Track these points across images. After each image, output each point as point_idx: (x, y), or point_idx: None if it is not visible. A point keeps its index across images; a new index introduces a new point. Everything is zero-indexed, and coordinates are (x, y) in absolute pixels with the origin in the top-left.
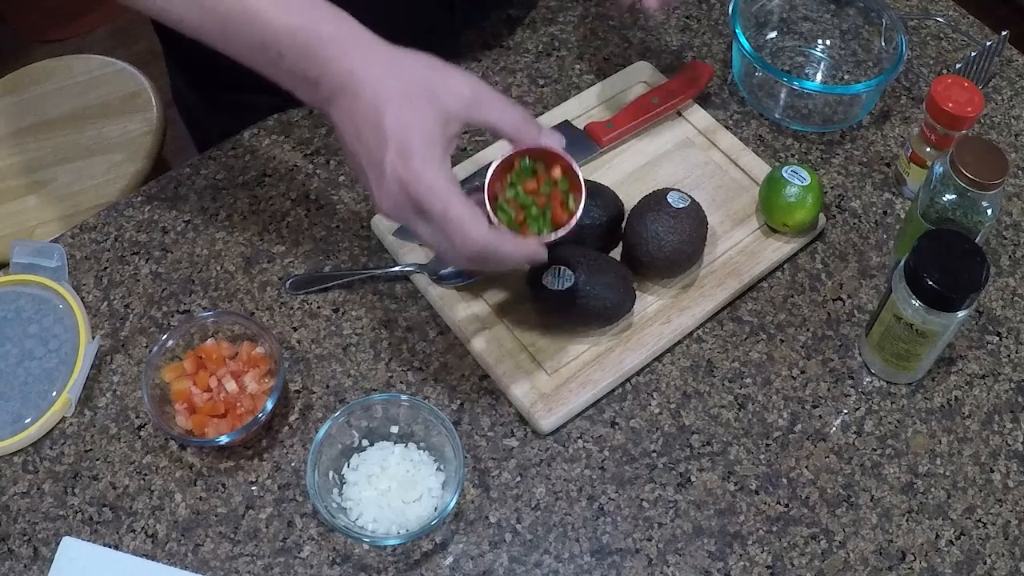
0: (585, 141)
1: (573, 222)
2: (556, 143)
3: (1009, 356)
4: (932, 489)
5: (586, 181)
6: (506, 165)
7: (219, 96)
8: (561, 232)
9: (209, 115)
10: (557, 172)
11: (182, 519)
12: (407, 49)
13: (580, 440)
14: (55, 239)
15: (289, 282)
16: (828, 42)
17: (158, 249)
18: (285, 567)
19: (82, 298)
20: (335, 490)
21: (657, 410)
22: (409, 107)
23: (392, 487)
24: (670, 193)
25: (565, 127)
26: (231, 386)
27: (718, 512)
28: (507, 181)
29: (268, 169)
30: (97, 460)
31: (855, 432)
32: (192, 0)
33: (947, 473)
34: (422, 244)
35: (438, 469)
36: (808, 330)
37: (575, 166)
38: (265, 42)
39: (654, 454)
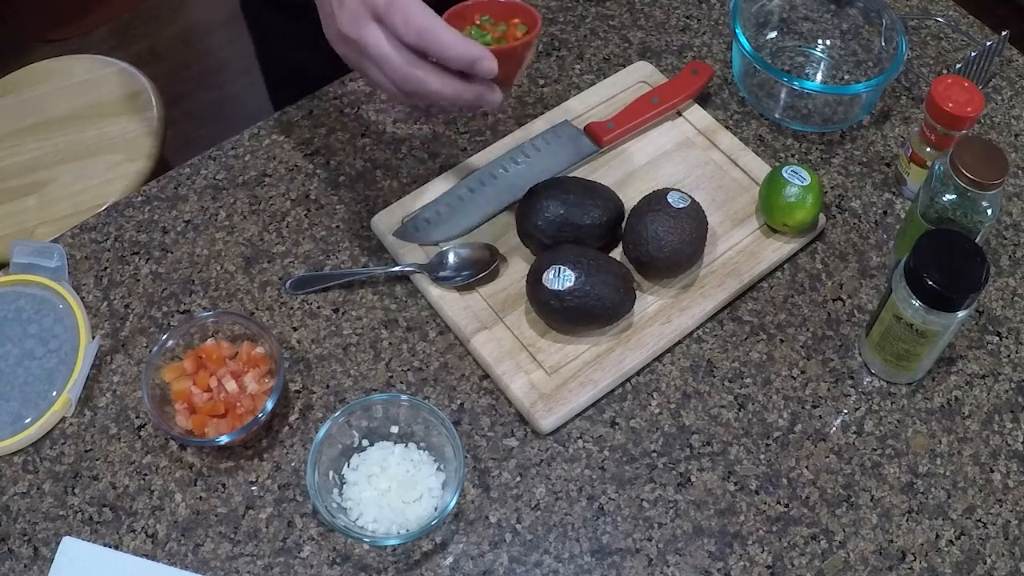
0: (585, 141)
1: (519, 43)
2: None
3: (1009, 356)
4: (932, 489)
5: (586, 181)
6: (464, 16)
7: None
8: (509, 46)
9: (272, 16)
10: (516, 21)
11: (182, 519)
12: None
13: (580, 440)
14: (55, 239)
15: (289, 282)
16: (828, 42)
17: (158, 249)
18: (285, 567)
19: (82, 298)
20: (335, 490)
21: (657, 410)
22: None
23: (392, 487)
24: (670, 193)
25: (565, 127)
26: (231, 386)
27: (718, 512)
28: (464, 28)
29: (268, 169)
30: (97, 460)
31: (855, 432)
32: None
33: (947, 473)
34: (422, 246)
35: (438, 469)
36: (808, 330)
37: (537, 17)
38: None
39: (654, 454)
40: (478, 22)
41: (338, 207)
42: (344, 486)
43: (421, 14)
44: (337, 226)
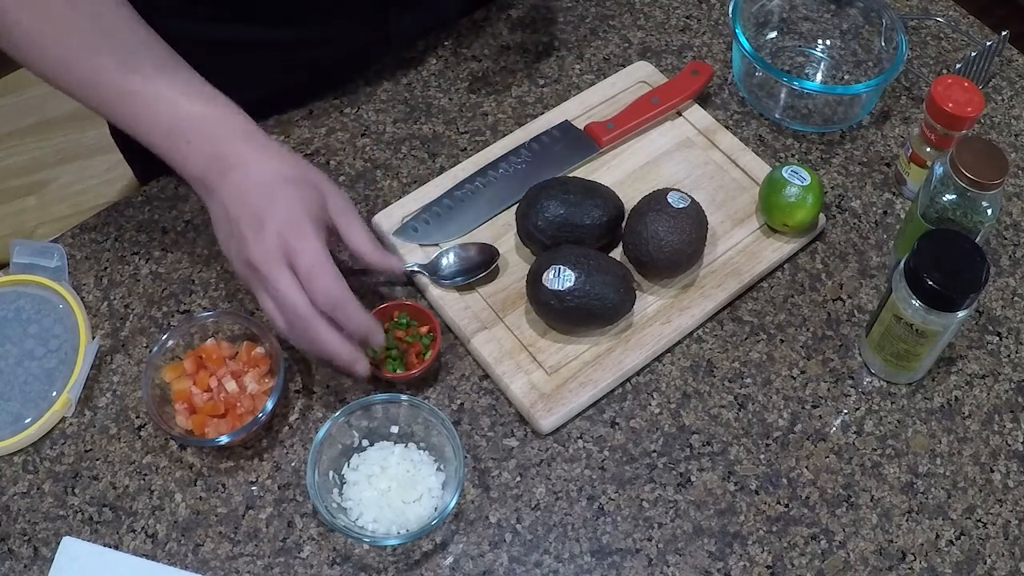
0: (585, 141)
1: (416, 372)
2: (395, 267)
3: (1009, 356)
4: (932, 489)
5: (586, 181)
6: (386, 313)
7: None
8: (406, 374)
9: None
10: (424, 329)
11: (182, 519)
12: (292, 150)
13: (580, 440)
14: (55, 239)
15: None
16: (828, 42)
17: (158, 249)
18: (285, 567)
19: (82, 298)
20: (335, 490)
21: (657, 410)
22: (299, 189)
23: (392, 487)
24: (670, 193)
25: (565, 127)
26: (231, 386)
27: (718, 512)
28: (383, 325)
29: None
30: (97, 460)
31: (855, 432)
32: (100, 84)
33: (947, 473)
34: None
35: (438, 469)
36: (808, 330)
37: (439, 329)
38: (173, 127)
39: (654, 454)
40: (395, 318)
41: None
42: (344, 486)
43: (337, 287)
44: None
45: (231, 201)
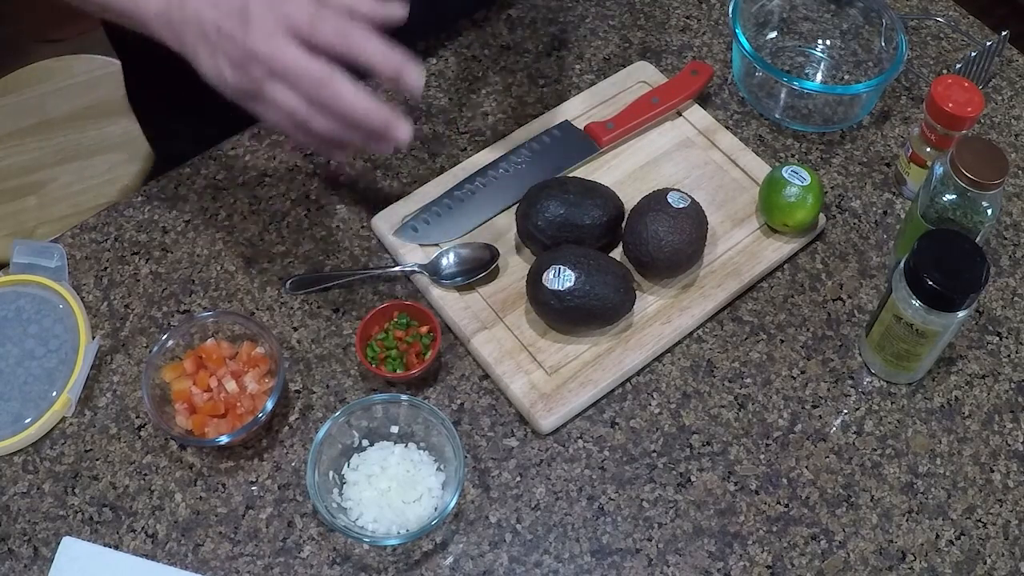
0: (585, 141)
1: (416, 372)
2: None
3: (1009, 356)
4: (932, 489)
5: (586, 181)
6: (386, 313)
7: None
8: (406, 374)
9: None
10: (424, 329)
11: (182, 519)
12: None
13: (580, 440)
14: (55, 239)
15: (289, 282)
16: (828, 42)
17: (158, 249)
18: (285, 567)
19: (82, 298)
20: (335, 490)
21: (657, 410)
22: None
23: (392, 487)
24: (670, 193)
25: (565, 127)
26: (231, 386)
27: (718, 512)
28: (383, 325)
29: (268, 169)
30: (97, 460)
31: (855, 432)
32: None
33: (947, 473)
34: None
35: (438, 469)
36: (808, 330)
37: (439, 329)
38: None
39: (654, 454)
40: (395, 319)
41: (338, 207)
42: (344, 486)
43: (345, 21)
44: (337, 226)
45: (200, 16)
